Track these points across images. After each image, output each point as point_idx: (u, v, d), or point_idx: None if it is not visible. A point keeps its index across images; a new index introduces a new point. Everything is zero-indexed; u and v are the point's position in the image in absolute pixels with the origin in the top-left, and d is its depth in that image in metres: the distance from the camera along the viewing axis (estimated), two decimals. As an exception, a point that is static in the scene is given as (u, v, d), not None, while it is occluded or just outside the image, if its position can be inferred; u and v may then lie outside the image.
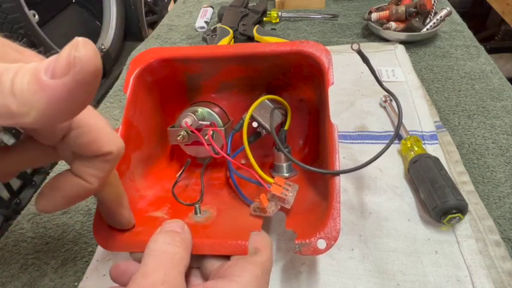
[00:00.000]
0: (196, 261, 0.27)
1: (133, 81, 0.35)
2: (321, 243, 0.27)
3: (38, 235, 0.42)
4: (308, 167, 0.32)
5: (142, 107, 0.36)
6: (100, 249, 0.39)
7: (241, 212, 0.34)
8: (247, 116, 0.36)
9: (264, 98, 0.37)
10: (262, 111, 0.38)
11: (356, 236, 0.37)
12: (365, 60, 0.34)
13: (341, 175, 0.30)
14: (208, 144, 0.35)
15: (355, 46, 0.33)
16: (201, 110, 0.39)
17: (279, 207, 0.31)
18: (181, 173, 0.38)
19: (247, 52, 0.35)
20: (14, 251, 0.41)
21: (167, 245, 0.24)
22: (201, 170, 0.37)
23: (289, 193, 0.31)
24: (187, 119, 0.36)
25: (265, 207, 0.30)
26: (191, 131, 0.37)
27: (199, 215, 0.33)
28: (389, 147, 0.31)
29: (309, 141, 0.41)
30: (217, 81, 0.40)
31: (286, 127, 0.39)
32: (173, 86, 0.40)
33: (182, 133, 0.37)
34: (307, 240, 0.27)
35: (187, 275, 0.26)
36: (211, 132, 0.36)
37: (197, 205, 0.34)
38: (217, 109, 0.40)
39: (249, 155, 0.34)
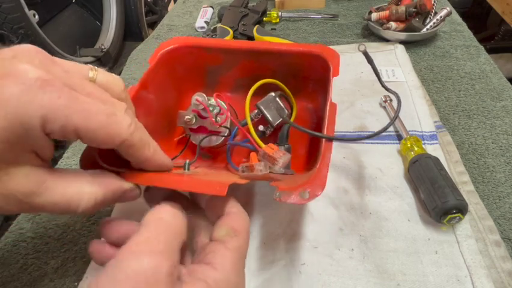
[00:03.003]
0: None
1: (159, 57, 0.38)
2: (304, 194, 0.26)
3: (38, 235, 0.42)
4: (309, 131, 0.34)
5: (159, 82, 0.39)
6: (100, 249, 0.39)
7: (228, 176, 0.35)
8: (251, 91, 0.39)
9: (266, 81, 0.39)
10: (269, 104, 0.39)
11: (356, 236, 0.37)
12: (370, 61, 0.34)
13: (338, 167, 0.30)
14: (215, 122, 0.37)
15: (361, 47, 0.33)
16: (213, 100, 0.40)
17: (268, 171, 0.31)
18: (182, 151, 0.40)
19: (263, 48, 0.39)
20: (14, 251, 0.41)
21: (170, 216, 0.24)
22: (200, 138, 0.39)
23: (281, 157, 0.31)
24: (198, 97, 0.37)
25: (254, 165, 0.30)
26: (198, 116, 0.38)
27: (186, 171, 0.34)
28: (389, 127, 0.33)
29: (311, 149, 0.42)
30: (233, 78, 0.42)
31: (292, 119, 0.41)
32: (192, 78, 0.42)
33: (190, 115, 0.38)
34: (291, 191, 0.26)
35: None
36: (218, 109, 0.38)
37: (187, 161, 0.35)
38: (227, 105, 0.42)
39: (249, 124, 0.37)
